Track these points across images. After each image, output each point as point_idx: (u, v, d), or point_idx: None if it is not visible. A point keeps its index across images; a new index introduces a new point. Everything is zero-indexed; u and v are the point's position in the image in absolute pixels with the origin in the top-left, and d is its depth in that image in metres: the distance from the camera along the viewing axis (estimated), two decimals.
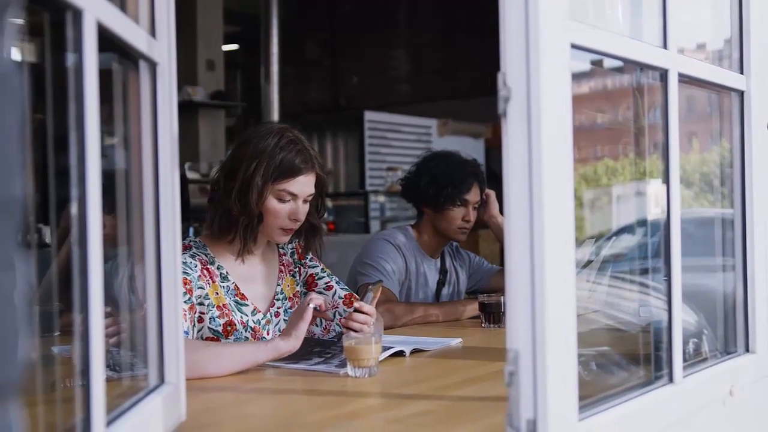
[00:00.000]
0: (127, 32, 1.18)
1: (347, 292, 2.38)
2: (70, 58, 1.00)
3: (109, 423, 1.09)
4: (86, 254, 1.00)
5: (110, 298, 1.24)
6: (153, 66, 1.34)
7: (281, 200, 2.18)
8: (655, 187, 1.88)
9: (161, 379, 1.37)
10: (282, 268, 2.37)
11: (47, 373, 1.41)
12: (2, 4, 0.55)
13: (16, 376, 0.57)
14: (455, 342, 2.36)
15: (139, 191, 1.36)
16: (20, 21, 0.61)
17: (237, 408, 1.67)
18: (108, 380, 1.07)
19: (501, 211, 3.14)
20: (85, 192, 1.00)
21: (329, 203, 7.62)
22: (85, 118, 1.00)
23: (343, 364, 1.92)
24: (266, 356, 1.95)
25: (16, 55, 0.58)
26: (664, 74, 1.51)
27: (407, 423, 1.50)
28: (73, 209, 1.00)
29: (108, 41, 1.11)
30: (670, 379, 1.52)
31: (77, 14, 0.98)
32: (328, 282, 2.40)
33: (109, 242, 1.14)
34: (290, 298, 2.36)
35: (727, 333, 1.87)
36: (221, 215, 2.19)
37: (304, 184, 2.20)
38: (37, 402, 1.13)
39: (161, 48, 1.36)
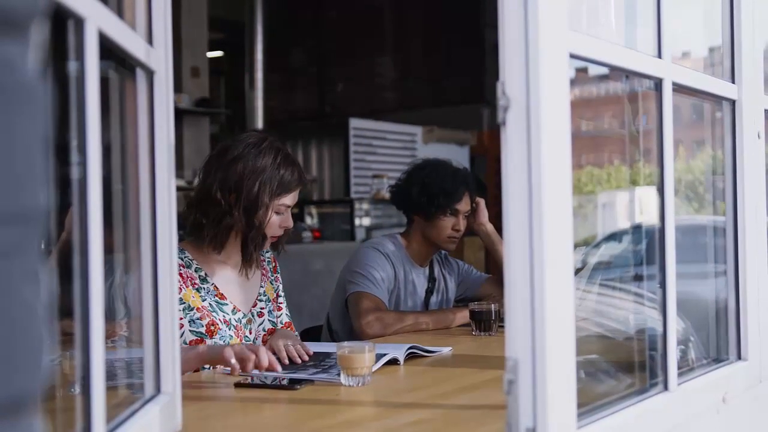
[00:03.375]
0: (127, 40, 1.18)
1: (288, 321, 2.48)
2: (71, 66, 1.00)
3: None
4: (87, 262, 0.99)
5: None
6: (150, 74, 1.33)
7: (278, 213, 2.29)
8: (640, 195, 1.89)
9: (157, 389, 1.36)
10: (263, 272, 2.45)
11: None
12: (27, 16, 0.55)
13: (39, 388, 0.57)
14: (446, 350, 2.35)
15: (136, 199, 1.35)
16: (44, 32, 0.61)
17: (232, 418, 1.67)
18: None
19: (489, 219, 3.15)
20: (87, 198, 0.99)
21: (314, 211, 7.61)
22: (87, 125, 0.99)
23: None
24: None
25: (40, 65, 0.58)
26: (658, 83, 1.52)
27: None
28: (74, 218, 0.99)
29: (105, 49, 1.10)
30: (665, 387, 1.52)
31: (79, 22, 0.98)
32: (281, 303, 2.50)
33: (104, 250, 1.13)
34: (272, 300, 2.44)
35: (719, 340, 1.88)
36: (224, 230, 2.25)
37: (296, 195, 2.33)
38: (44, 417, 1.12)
39: (158, 56, 1.35)
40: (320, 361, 2.12)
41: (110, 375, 1.43)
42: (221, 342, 2.21)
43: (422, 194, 2.99)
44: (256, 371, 1.98)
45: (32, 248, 0.56)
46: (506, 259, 1.18)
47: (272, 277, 2.48)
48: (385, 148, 8.10)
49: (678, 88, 1.58)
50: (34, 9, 0.56)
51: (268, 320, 2.40)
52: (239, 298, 2.33)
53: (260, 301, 2.40)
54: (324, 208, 7.72)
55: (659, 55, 1.52)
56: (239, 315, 2.31)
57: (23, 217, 0.55)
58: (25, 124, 0.55)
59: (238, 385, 1.88)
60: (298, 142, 8.42)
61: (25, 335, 0.55)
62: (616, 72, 1.60)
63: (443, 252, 3.19)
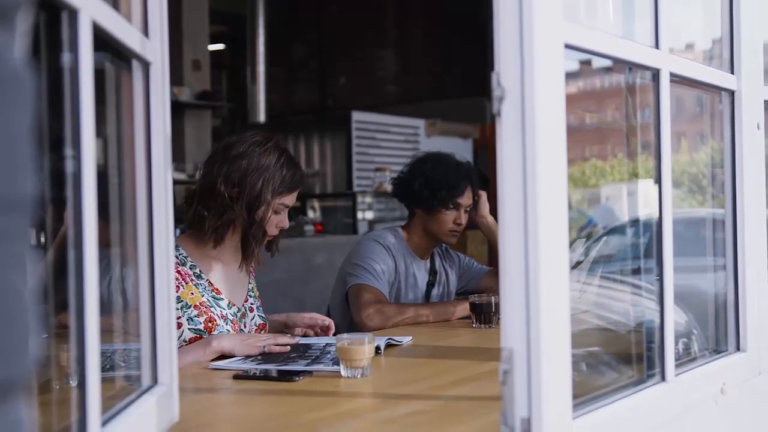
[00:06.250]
0: (122, 32, 1.18)
1: (262, 322, 2.47)
2: (65, 58, 1.00)
3: (104, 424, 1.09)
4: (82, 256, 1.00)
5: (100, 299, 1.25)
6: (146, 66, 1.33)
7: (276, 212, 2.32)
8: (644, 188, 1.89)
9: (154, 380, 1.37)
10: (251, 270, 2.49)
11: (38, 374, 1.40)
12: (13, 5, 0.55)
13: (26, 374, 0.57)
14: (406, 340, 2.36)
15: (132, 192, 1.35)
16: (29, 20, 0.61)
17: (230, 409, 1.67)
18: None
19: (491, 212, 3.15)
20: (81, 193, 0.99)
21: (316, 204, 7.61)
22: (81, 118, 0.99)
23: (336, 362, 1.91)
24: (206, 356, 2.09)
25: (25, 54, 0.58)
26: (656, 74, 1.52)
27: (402, 423, 1.50)
28: (68, 211, 0.99)
29: (101, 40, 1.10)
30: (663, 378, 1.52)
31: (73, 14, 0.98)
32: (255, 304, 2.49)
33: (100, 243, 1.14)
34: (258, 297, 2.49)
35: (717, 332, 1.88)
36: (225, 224, 2.27)
37: (295, 197, 2.37)
38: (30, 403, 1.12)
39: (154, 47, 1.35)
40: (304, 352, 2.13)
41: (110, 366, 1.43)
42: None
43: (424, 187, 2.98)
44: (250, 364, 2.00)
45: (20, 235, 0.56)
46: (501, 249, 1.18)
47: (254, 276, 2.54)
48: (388, 141, 8.09)
49: (676, 79, 1.58)
50: None
51: (258, 315, 2.45)
52: (232, 293, 2.37)
53: (250, 296, 2.45)
54: (326, 201, 7.72)
55: (656, 46, 1.52)
56: (234, 309, 2.35)
57: (10, 204, 0.55)
58: (10, 112, 0.55)
59: (236, 377, 1.89)
60: (300, 136, 8.42)
61: (11, 321, 0.55)
62: (619, 64, 1.59)
63: (444, 245, 3.19)
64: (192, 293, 2.25)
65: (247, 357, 2.09)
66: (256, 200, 2.26)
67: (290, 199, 2.34)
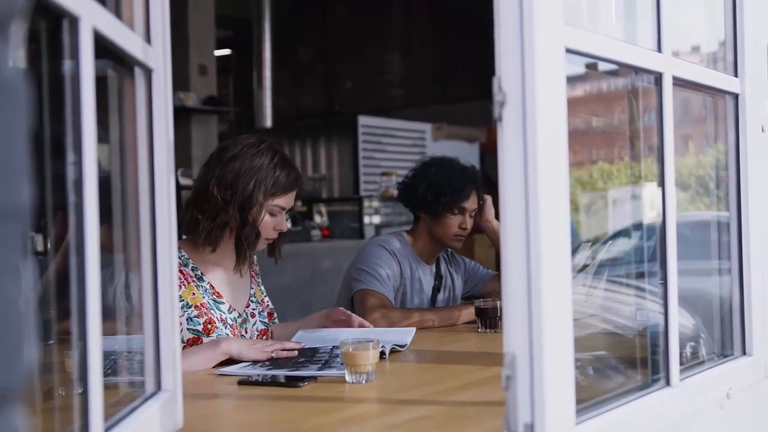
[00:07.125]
0: (123, 39, 1.18)
1: (264, 327, 2.46)
2: (66, 65, 1.00)
3: (107, 430, 1.09)
4: (83, 262, 1.00)
5: (106, 306, 1.25)
6: (148, 72, 1.34)
7: (272, 214, 2.31)
8: (650, 191, 1.89)
9: (158, 386, 1.37)
10: (253, 275, 2.49)
11: (43, 380, 1.40)
12: (7, 13, 0.55)
13: (20, 382, 0.57)
14: (410, 336, 2.36)
15: (135, 198, 1.35)
16: (24, 29, 0.61)
17: (234, 415, 1.67)
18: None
19: (497, 216, 3.14)
20: (83, 199, 0.99)
21: (323, 209, 7.61)
22: (82, 124, 0.99)
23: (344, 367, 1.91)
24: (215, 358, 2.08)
25: (21, 62, 0.59)
26: (658, 78, 1.52)
27: (405, 428, 1.50)
28: (71, 217, 1.00)
29: (103, 48, 1.11)
30: (667, 382, 1.52)
31: (74, 21, 0.98)
32: (257, 309, 2.48)
33: (104, 250, 1.14)
34: (261, 302, 2.48)
35: (723, 336, 1.87)
36: (219, 227, 2.27)
37: (292, 198, 2.36)
38: (34, 410, 1.13)
39: (156, 54, 1.35)
40: (312, 357, 2.13)
41: (113, 371, 1.44)
42: None
43: (429, 192, 2.98)
44: (258, 370, 1.99)
45: (14, 243, 0.56)
46: (503, 254, 1.18)
47: (258, 280, 2.53)
48: (394, 146, 8.09)
49: (679, 83, 1.57)
50: (13, 8, 0.56)
51: (260, 321, 2.45)
52: (233, 298, 2.37)
53: (252, 302, 2.44)
54: (333, 206, 7.71)
55: (659, 50, 1.51)
56: (234, 314, 2.35)
57: (5, 213, 0.55)
58: (5, 121, 0.55)
59: (240, 382, 1.89)
60: (307, 140, 8.42)
61: (6, 330, 0.55)
62: (621, 67, 1.59)
63: (449, 249, 3.19)
64: (193, 293, 2.26)
65: (255, 362, 2.09)
66: (248, 201, 2.26)
67: (285, 201, 2.32)
